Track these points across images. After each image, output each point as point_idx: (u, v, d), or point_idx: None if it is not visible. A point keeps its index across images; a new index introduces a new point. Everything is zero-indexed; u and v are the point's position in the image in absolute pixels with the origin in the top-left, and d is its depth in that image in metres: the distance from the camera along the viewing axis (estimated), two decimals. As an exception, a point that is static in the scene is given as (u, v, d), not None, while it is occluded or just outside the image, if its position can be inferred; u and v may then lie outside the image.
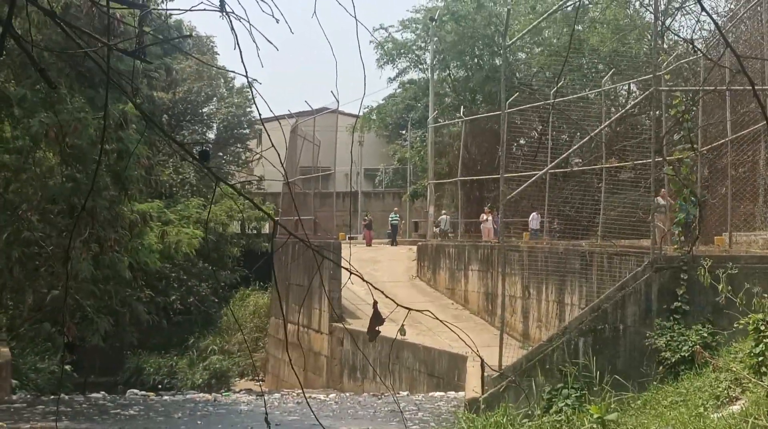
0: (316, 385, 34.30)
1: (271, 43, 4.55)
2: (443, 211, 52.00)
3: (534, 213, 35.71)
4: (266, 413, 4.92)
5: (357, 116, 63.85)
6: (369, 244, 52.87)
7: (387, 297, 4.89)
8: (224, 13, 4.36)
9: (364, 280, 4.66)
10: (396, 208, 55.73)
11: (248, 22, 4.33)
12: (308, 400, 25.03)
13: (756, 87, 19.09)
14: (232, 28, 4.32)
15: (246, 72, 4.37)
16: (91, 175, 24.23)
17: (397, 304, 4.79)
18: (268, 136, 5.12)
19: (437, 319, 4.90)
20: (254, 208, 46.27)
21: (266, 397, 25.90)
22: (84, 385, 33.01)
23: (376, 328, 4.79)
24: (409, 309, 4.77)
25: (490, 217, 39.27)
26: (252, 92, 4.26)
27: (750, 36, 29.33)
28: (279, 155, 5.65)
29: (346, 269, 4.80)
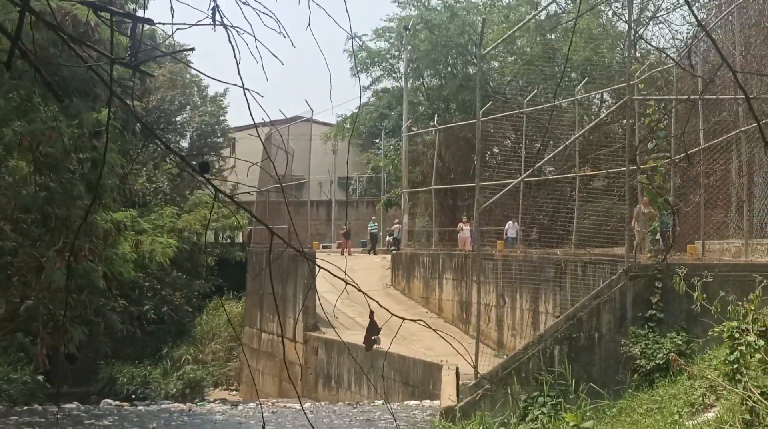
0: (291, 395, 34.20)
1: (276, 57, 4.58)
2: (396, 221, 52.25)
3: (510, 222, 35.78)
4: (263, 422, 4.92)
5: (328, 124, 63.96)
6: (349, 253, 52.84)
7: (381, 307, 4.90)
8: (227, 28, 4.38)
9: (357, 288, 4.66)
10: (374, 217, 55.70)
11: (254, 36, 4.36)
12: (284, 409, 25.00)
13: (732, 96, 19.24)
14: (230, 40, 4.33)
15: (242, 84, 4.38)
16: (65, 184, 24.13)
17: (392, 314, 4.81)
18: (264, 146, 5.13)
19: (432, 329, 4.92)
20: (228, 217, 46.26)
21: (241, 407, 25.84)
22: (57, 396, 32.87)
23: (372, 338, 4.81)
24: (404, 318, 4.79)
25: (467, 227, 39.30)
26: (247, 101, 4.28)
27: (722, 45, 29.54)
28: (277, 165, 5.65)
29: (339, 277, 4.79)
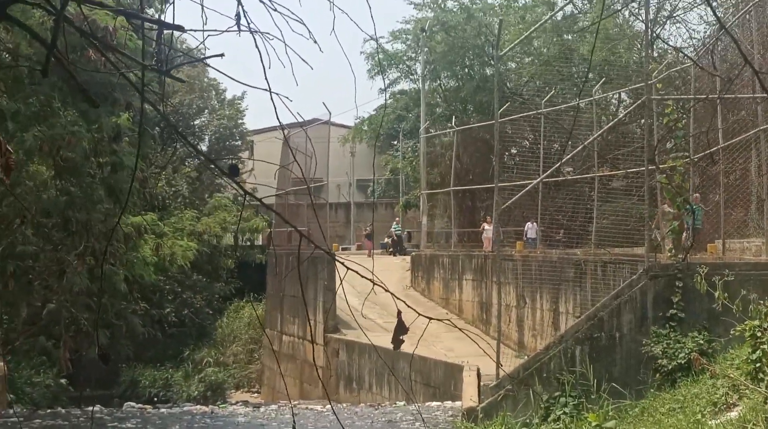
0: (312, 397, 34.28)
1: (306, 62, 4.65)
2: (395, 221, 52.37)
3: (529, 223, 35.77)
4: (294, 421, 4.98)
5: (347, 127, 64.06)
6: (369, 255, 52.99)
7: (409, 307, 4.96)
8: (254, 34, 4.45)
9: (385, 289, 4.72)
10: (397, 219, 55.66)
11: (284, 42, 4.43)
12: (306, 411, 25.08)
13: (751, 95, 19.25)
14: (256, 46, 4.40)
15: (269, 88, 4.45)
16: (85, 189, 24.27)
17: (419, 314, 4.87)
18: (292, 150, 5.19)
19: (458, 327, 4.97)
20: (246, 220, 46.43)
21: (263, 409, 25.92)
22: (80, 399, 33.03)
23: (400, 338, 4.86)
24: (430, 318, 4.85)
25: (490, 227, 39.24)
26: (274, 105, 4.35)
27: (740, 44, 29.50)
28: (298, 167, 5.71)
29: (367, 278, 4.86)
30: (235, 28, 4.56)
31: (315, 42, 5.01)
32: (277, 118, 4.70)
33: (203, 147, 60.41)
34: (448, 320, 4.91)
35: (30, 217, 25.92)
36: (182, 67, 54.85)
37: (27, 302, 28.02)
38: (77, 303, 26.34)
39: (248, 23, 4.53)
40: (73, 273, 24.07)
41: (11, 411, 24.44)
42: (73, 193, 25.02)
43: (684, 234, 21.84)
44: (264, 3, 4.69)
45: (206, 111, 59.70)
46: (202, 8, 4.75)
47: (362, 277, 5.03)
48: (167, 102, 43.88)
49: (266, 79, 4.42)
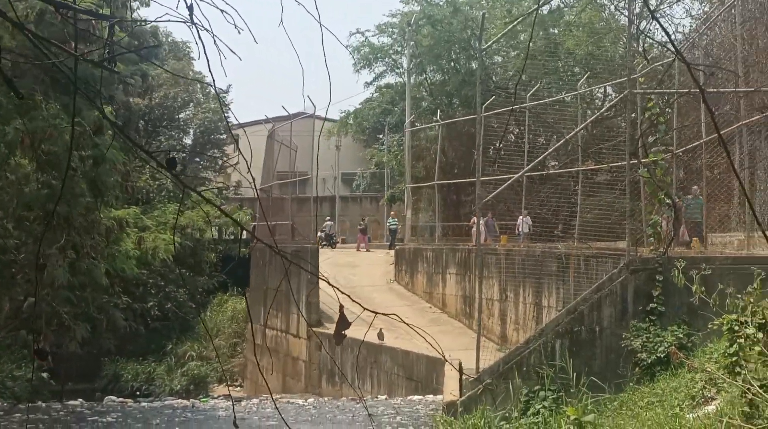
0: (294, 390, 34.28)
1: (234, 53, 4.57)
2: (327, 217, 52.57)
3: (521, 217, 35.71)
4: (234, 417, 4.92)
5: (332, 120, 63.97)
6: (367, 250, 53.07)
7: (354, 301, 4.90)
8: (191, 24, 4.37)
9: (330, 283, 4.68)
10: (393, 213, 55.59)
11: (212, 33, 4.35)
12: (287, 404, 25.05)
13: (733, 90, 19.26)
14: (199, 38, 4.33)
15: (214, 81, 4.38)
16: (66, 182, 24.12)
17: (364, 308, 4.80)
18: (249, 142, 5.13)
19: (405, 322, 4.91)
20: (231, 214, 46.27)
21: (244, 403, 25.84)
22: (61, 393, 32.92)
23: (342, 332, 4.80)
24: (377, 312, 4.79)
25: (481, 221, 39.11)
26: (219, 101, 4.29)
27: (723, 39, 29.53)
28: (247, 161, 5.64)
29: (314, 274, 4.81)
30: (180, 18, 4.47)
31: (249, 32, 4.93)
32: (222, 112, 4.60)
33: (188, 140, 60.30)
34: (395, 315, 4.85)
35: (12, 211, 25.83)
36: (168, 61, 54.83)
37: (9, 296, 27.90)
38: (58, 297, 26.24)
39: (190, 15, 4.44)
40: (54, 266, 23.97)
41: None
42: (54, 187, 24.89)
43: (666, 226, 21.85)
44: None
45: (191, 104, 59.53)
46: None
47: (314, 275, 4.97)
48: (111, 94, 43.74)
49: (210, 72, 4.35)
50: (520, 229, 35.66)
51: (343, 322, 4.82)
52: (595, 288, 20.23)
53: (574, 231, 30.87)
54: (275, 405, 23.67)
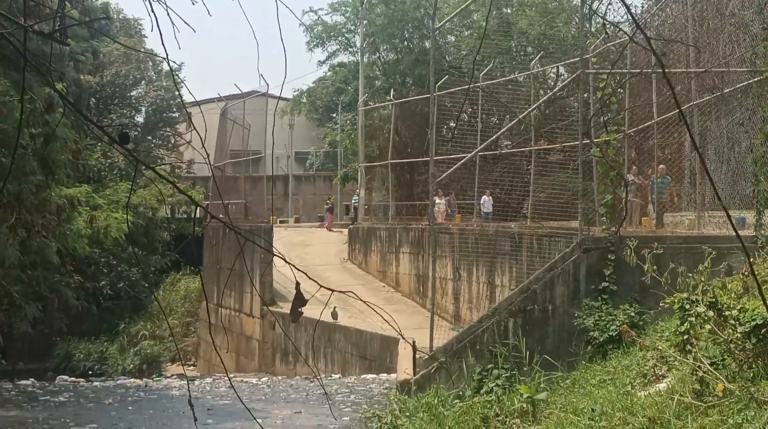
0: (248, 369, 34.25)
1: (187, 24, 4.53)
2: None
3: (485, 195, 35.75)
4: (189, 395, 4.92)
5: (285, 99, 63.75)
6: (330, 229, 53.01)
7: (310, 278, 4.90)
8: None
9: (286, 261, 4.67)
10: (358, 190, 55.56)
11: (165, 4, 4.32)
12: (241, 383, 25.03)
13: (681, 70, 19.44)
14: (152, 10, 4.30)
15: (167, 55, 4.35)
16: (16, 160, 23.87)
17: (320, 286, 4.80)
18: (204, 119, 5.11)
19: (361, 300, 4.91)
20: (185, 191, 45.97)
21: (198, 382, 25.80)
22: (12, 372, 32.66)
23: (299, 310, 4.81)
24: (333, 290, 4.79)
25: (441, 200, 39.07)
26: (173, 76, 4.25)
27: (675, 20, 29.73)
28: (201, 138, 5.60)
29: (269, 251, 4.80)
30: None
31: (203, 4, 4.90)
32: (177, 88, 4.57)
33: (140, 118, 59.84)
34: (351, 292, 4.85)
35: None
36: (119, 38, 54.27)
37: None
38: (9, 276, 26.00)
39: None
40: (4, 245, 23.74)
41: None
42: (4, 164, 24.62)
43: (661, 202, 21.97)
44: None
45: (143, 82, 59.09)
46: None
47: (268, 251, 4.97)
48: (62, 71, 43.37)
49: (164, 46, 4.31)
50: (484, 209, 35.69)
51: (300, 300, 4.82)
52: (547, 267, 20.35)
53: (528, 210, 31.00)
54: (231, 383, 23.67)
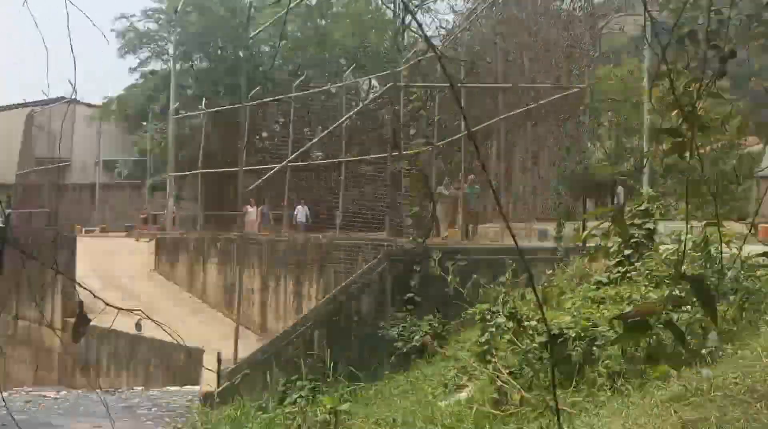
0: (47, 383, 33.06)
1: None
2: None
3: (299, 205, 35.50)
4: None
5: (95, 106, 62.42)
6: (138, 239, 51.81)
7: (96, 297, 4.60)
8: None
9: (76, 283, 4.36)
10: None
11: None
12: (39, 397, 24.16)
13: (494, 85, 19.73)
14: None
15: None
16: None
17: (107, 304, 4.51)
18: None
19: (149, 318, 4.64)
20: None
21: (-8, 396, 24.71)
22: None
23: (80, 329, 4.50)
24: (120, 308, 4.49)
25: (253, 209, 38.51)
26: None
27: (484, 36, 30.29)
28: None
29: (56, 271, 4.48)
30: None
31: None
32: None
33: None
34: (139, 310, 4.58)
35: None
36: None
37: None
38: None
39: None
40: None
41: None
42: None
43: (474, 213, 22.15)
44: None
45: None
46: None
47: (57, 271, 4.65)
48: None
49: None
50: (298, 219, 35.52)
51: (82, 319, 4.50)
52: (354, 278, 20.34)
53: (337, 221, 30.99)
54: (3, 400, 22.75)
